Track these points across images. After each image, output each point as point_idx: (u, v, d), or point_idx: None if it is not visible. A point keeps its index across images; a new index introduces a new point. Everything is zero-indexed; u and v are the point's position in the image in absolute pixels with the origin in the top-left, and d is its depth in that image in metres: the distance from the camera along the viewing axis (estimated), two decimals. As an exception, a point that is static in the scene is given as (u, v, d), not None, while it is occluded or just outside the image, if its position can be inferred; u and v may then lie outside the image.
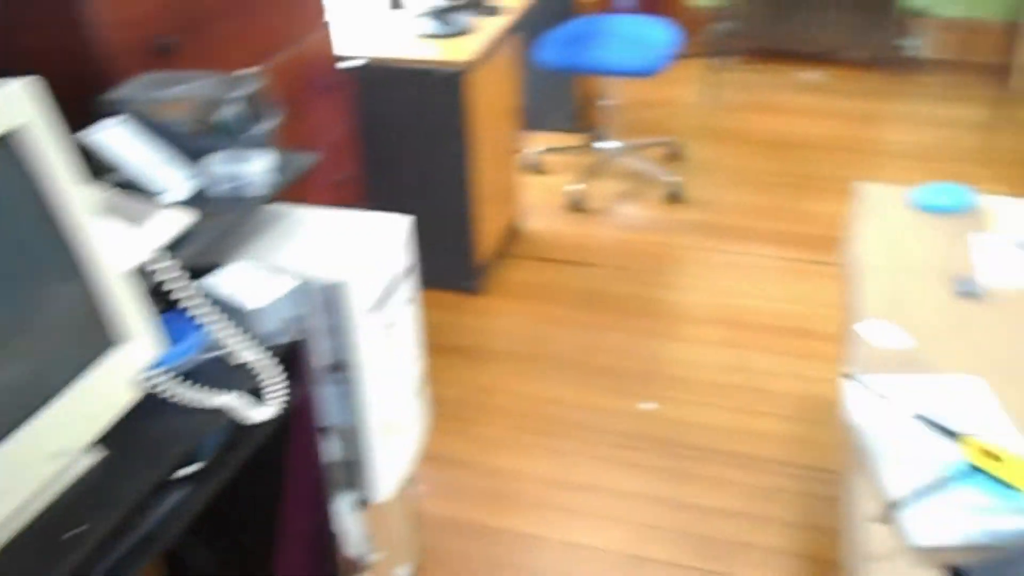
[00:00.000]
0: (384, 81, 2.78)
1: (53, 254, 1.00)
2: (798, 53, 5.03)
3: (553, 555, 2.21)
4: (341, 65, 2.39)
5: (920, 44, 4.87)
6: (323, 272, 1.53)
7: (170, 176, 1.48)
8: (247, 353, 1.35)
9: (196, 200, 1.48)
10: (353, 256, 1.57)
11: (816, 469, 2.41)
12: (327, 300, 1.54)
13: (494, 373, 2.80)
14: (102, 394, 1.05)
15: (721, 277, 3.21)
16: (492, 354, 2.89)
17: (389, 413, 1.73)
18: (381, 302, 1.62)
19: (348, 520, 1.75)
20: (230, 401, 1.28)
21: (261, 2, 2.02)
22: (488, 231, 3.13)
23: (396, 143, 2.89)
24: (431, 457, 2.47)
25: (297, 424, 1.56)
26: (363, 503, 1.80)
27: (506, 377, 2.79)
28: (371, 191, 2.75)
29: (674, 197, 3.68)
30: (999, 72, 4.69)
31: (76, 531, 1.00)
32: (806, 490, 2.36)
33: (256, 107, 1.57)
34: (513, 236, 3.46)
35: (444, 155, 2.88)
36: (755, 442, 2.51)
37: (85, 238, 1.03)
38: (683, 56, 4.97)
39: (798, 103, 4.56)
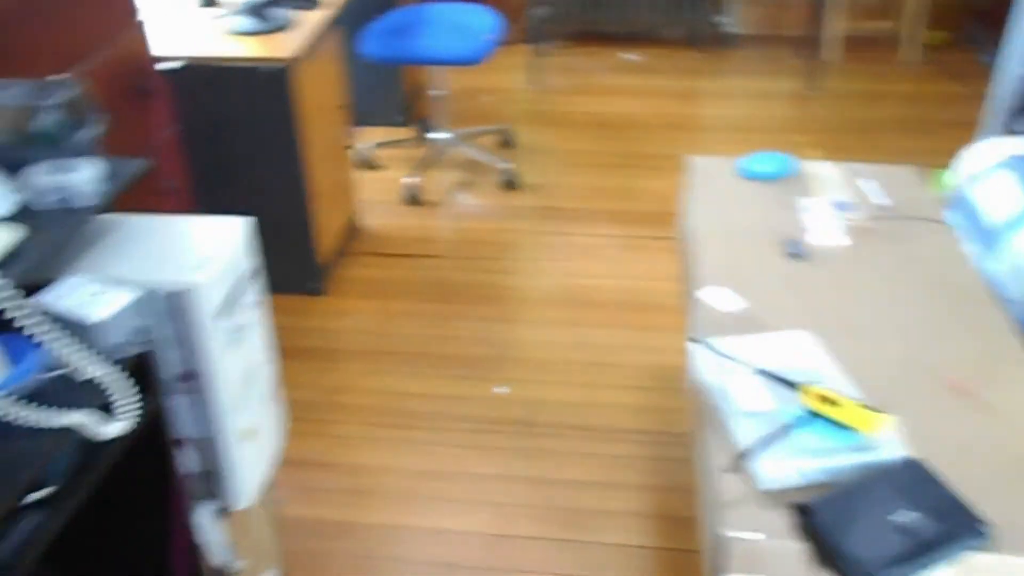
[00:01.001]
0: (208, 82, 2.70)
1: None
2: (617, 34, 5.18)
3: (419, 543, 2.22)
4: (159, 67, 2.30)
5: (733, 20, 5.10)
6: (165, 280, 1.49)
7: (-10, 191, 1.40)
8: (93, 369, 1.29)
9: (21, 215, 1.41)
10: (194, 262, 1.53)
11: (666, 433, 2.51)
12: (171, 308, 1.50)
13: (345, 372, 2.78)
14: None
15: (562, 259, 3.29)
16: (341, 354, 2.86)
17: (244, 420, 1.69)
18: (227, 307, 1.59)
19: (210, 530, 1.70)
20: (79, 419, 1.23)
21: (59, 3, 1.91)
22: (328, 231, 3.10)
23: (226, 146, 2.82)
24: (290, 461, 2.42)
25: (150, 438, 1.51)
26: (224, 512, 1.76)
27: (358, 375, 2.77)
28: (205, 197, 2.67)
29: (510, 184, 3.73)
30: (808, 44, 4.97)
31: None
32: (659, 454, 2.45)
33: (76, 113, 1.50)
34: (353, 234, 3.43)
35: (276, 155, 2.82)
36: (607, 414, 2.58)
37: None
38: (507, 43, 5.04)
39: (621, 84, 4.70)
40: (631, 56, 5.02)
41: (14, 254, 1.33)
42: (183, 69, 2.64)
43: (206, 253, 1.55)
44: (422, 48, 3.46)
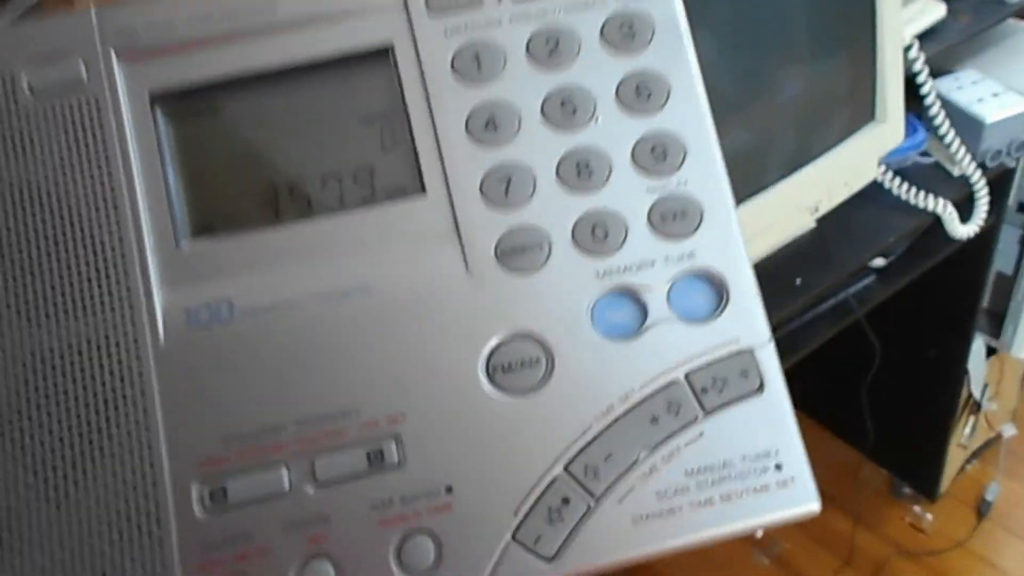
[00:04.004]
0: None
1: (859, 14, 1.00)
2: None
3: None
4: None
5: None
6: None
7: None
8: (966, 167, 1.28)
9: (950, -7, 1.40)
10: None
11: None
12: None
13: None
14: (852, 166, 1.07)
15: None
16: None
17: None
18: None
19: (977, 362, 1.67)
20: (939, 208, 1.25)
21: None
22: None
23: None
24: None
25: (967, 255, 1.48)
26: (993, 352, 1.71)
27: None
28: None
29: None
30: None
31: (798, 281, 1.06)
32: None
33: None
34: None
35: None
36: None
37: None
38: None
39: None
40: None
41: (932, 31, 1.34)
42: None
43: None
44: None
